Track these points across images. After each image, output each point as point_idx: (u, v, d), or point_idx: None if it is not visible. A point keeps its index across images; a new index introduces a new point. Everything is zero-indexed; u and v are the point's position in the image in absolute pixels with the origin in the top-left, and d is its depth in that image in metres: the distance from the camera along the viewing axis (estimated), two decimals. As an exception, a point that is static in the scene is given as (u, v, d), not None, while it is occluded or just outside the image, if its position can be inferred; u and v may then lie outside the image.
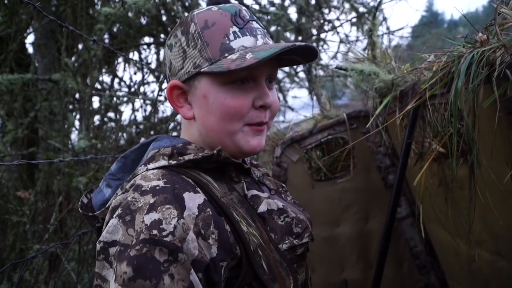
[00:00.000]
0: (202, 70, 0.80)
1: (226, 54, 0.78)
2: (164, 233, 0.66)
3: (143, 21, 3.79)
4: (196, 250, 0.67)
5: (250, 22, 0.83)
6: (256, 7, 4.37)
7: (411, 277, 2.04)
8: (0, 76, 2.13)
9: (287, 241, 0.82)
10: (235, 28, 0.80)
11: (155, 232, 0.65)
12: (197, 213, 0.70)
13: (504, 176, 1.06)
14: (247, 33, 0.81)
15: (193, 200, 0.72)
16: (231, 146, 0.83)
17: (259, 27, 0.84)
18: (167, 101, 0.92)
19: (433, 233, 1.83)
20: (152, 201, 0.69)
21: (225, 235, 0.72)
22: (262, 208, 0.83)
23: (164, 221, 0.66)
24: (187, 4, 3.65)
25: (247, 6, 4.46)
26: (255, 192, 0.85)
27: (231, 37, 0.80)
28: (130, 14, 3.21)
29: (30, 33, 2.97)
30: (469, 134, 1.07)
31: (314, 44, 5.18)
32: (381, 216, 2.01)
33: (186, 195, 0.72)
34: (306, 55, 0.85)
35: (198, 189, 0.75)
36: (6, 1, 3.07)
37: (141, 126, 3.66)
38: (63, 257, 1.82)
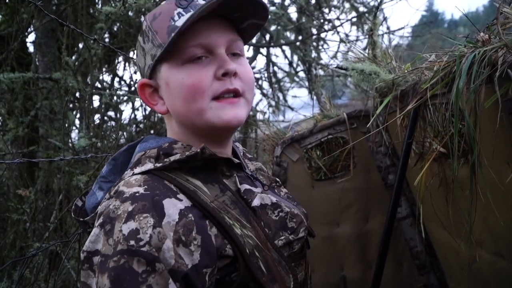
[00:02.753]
0: (157, 57, 0.80)
1: (173, 34, 0.76)
2: (141, 243, 0.64)
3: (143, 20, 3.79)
4: (172, 260, 0.65)
5: (196, 0, 0.81)
6: None
7: (410, 277, 2.04)
8: (1, 74, 2.12)
9: (282, 237, 0.81)
10: (179, 10, 0.79)
11: (132, 242, 0.64)
12: (177, 220, 0.69)
13: (506, 176, 1.06)
14: (191, 10, 0.79)
15: (174, 206, 0.70)
16: (204, 126, 0.80)
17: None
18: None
19: (433, 233, 1.83)
20: (130, 209, 0.68)
21: (209, 240, 0.70)
22: (256, 202, 0.81)
23: (141, 231, 0.65)
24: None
25: None
26: (248, 186, 0.83)
27: (176, 18, 0.78)
28: (130, 13, 3.21)
29: (31, 32, 2.96)
30: (471, 134, 1.07)
31: (314, 44, 5.19)
32: (381, 216, 2.01)
33: (167, 201, 0.70)
34: (261, 11, 0.82)
35: (180, 195, 0.73)
36: (7, 0, 3.07)
37: (141, 125, 3.66)
38: (63, 255, 1.82)
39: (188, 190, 0.75)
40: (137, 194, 0.70)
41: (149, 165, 0.78)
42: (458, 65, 1.09)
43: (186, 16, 0.77)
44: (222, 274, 0.71)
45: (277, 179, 0.98)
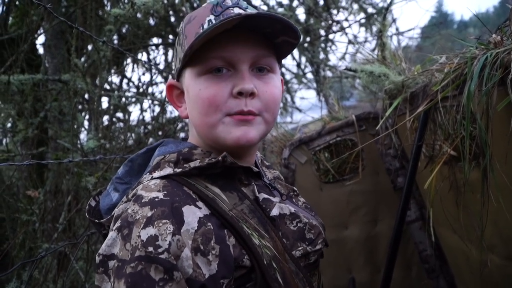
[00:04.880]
0: (181, 63, 0.79)
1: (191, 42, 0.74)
2: (160, 250, 0.63)
3: (152, 22, 3.80)
4: (190, 269, 0.64)
5: (231, 8, 0.78)
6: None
7: (419, 281, 2.02)
8: (11, 76, 2.14)
9: (300, 248, 0.79)
10: (211, 17, 0.77)
11: (150, 249, 0.63)
12: (196, 228, 0.67)
13: (518, 180, 1.04)
14: (221, 19, 0.75)
15: (193, 213, 0.69)
16: (215, 140, 0.79)
17: (243, 12, 0.76)
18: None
19: (443, 237, 1.81)
20: (149, 214, 0.67)
21: (227, 250, 0.68)
22: (275, 212, 0.80)
23: (160, 237, 0.64)
24: (195, 5, 3.65)
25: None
26: (266, 195, 0.82)
27: (205, 25, 0.77)
28: (139, 15, 3.22)
29: (40, 34, 2.98)
30: (482, 137, 1.05)
31: (323, 45, 5.18)
32: (390, 219, 1.99)
33: (186, 208, 0.69)
34: (287, 31, 0.77)
35: (199, 202, 0.72)
36: (17, 3, 3.09)
37: (149, 127, 3.66)
38: (71, 257, 1.83)
39: (207, 197, 0.74)
40: (156, 200, 0.69)
41: (168, 170, 0.77)
42: (469, 67, 1.07)
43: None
44: (237, 284, 0.69)
45: (295, 188, 0.96)
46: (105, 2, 3.40)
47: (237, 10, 0.78)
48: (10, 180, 2.25)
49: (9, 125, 2.96)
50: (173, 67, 0.87)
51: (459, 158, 1.34)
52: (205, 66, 0.77)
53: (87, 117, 3.27)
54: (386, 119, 1.78)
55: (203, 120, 0.78)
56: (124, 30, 3.69)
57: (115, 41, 3.70)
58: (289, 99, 5.39)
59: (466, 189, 1.33)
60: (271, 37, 0.80)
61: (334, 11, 4.99)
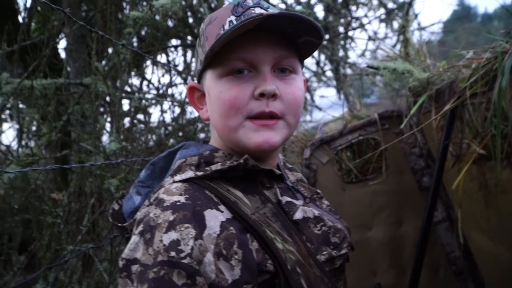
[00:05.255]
0: (202, 65, 0.78)
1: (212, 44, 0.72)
2: (182, 255, 0.63)
3: (170, 23, 3.82)
4: (213, 274, 0.63)
5: (252, 8, 0.76)
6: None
7: (447, 284, 1.97)
8: (34, 81, 2.17)
9: (325, 252, 0.77)
10: (232, 18, 0.75)
11: (173, 253, 0.63)
12: (218, 232, 0.66)
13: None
14: (243, 19, 0.73)
15: (216, 217, 0.68)
16: (236, 143, 0.77)
17: (264, 12, 0.75)
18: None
19: (472, 238, 1.76)
20: (171, 218, 0.66)
21: (250, 255, 0.67)
22: (298, 215, 0.78)
23: (182, 242, 0.63)
24: (213, 5, 3.65)
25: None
26: (289, 198, 0.80)
27: (226, 26, 0.75)
28: (157, 17, 3.24)
29: (61, 38, 3.03)
30: (514, 136, 1.01)
31: (342, 43, 5.12)
32: (415, 220, 1.95)
33: (208, 212, 0.68)
34: (310, 30, 0.75)
35: (221, 206, 0.71)
36: (39, 8, 3.15)
37: (170, 128, 3.68)
38: (95, 258, 1.85)
39: (228, 201, 0.72)
40: (178, 203, 0.68)
41: (189, 173, 0.76)
42: (500, 62, 1.03)
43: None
44: None
45: (318, 191, 0.93)
46: (125, 5, 3.44)
47: (258, 10, 0.76)
48: (35, 183, 2.28)
49: (33, 128, 3.02)
50: (194, 69, 0.86)
51: (488, 157, 1.30)
52: (226, 68, 0.75)
53: (108, 119, 3.31)
54: (411, 118, 1.73)
55: (224, 122, 0.77)
56: (143, 33, 3.72)
57: (135, 44, 3.74)
58: (308, 97, 5.36)
59: (498, 189, 1.28)
60: (293, 37, 0.77)
61: (353, 8, 4.94)
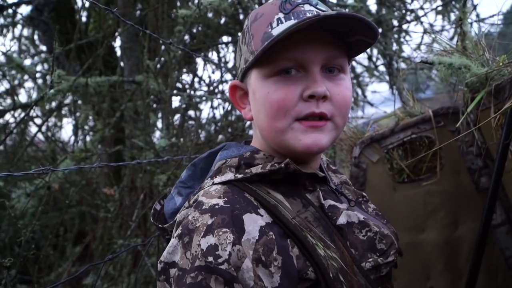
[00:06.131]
0: (248, 64, 0.75)
1: (266, 43, 0.70)
2: (220, 260, 0.61)
3: (221, 20, 3.85)
4: (251, 281, 0.61)
5: (301, 5, 0.73)
6: (334, 0, 4.24)
7: (507, 290, 1.85)
8: (88, 79, 2.27)
9: (370, 259, 0.73)
10: (280, 15, 0.73)
11: (210, 259, 0.62)
12: (257, 237, 0.64)
13: None
14: (292, 17, 0.72)
15: (255, 222, 0.66)
16: (283, 145, 0.75)
17: (314, 9, 0.73)
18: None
19: (535, 244, 1.64)
20: (210, 222, 0.65)
21: (290, 261, 0.65)
22: (342, 220, 0.75)
23: (220, 247, 0.62)
24: (263, 1, 3.64)
25: (323, 1, 4.35)
26: (332, 202, 0.77)
27: (274, 24, 0.72)
28: (210, 15, 3.27)
29: (116, 37, 3.14)
30: None
31: (396, 36, 4.94)
32: (472, 222, 1.84)
33: (247, 216, 0.67)
34: (368, 30, 0.72)
35: (261, 209, 0.69)
36: (96, 9, 3.28)
37: (219, 124, 3.72)
38: (143, 253, 1.90)
39: (268, 204, 0.70)
40: (216, 207, 0.67)
41: (229, 175, 0.75)
42: None
43: (284, 26, 0.71)
44: None
45: (364, 194, 0.90)
46: (177, 4, 3.50)
47: (307, 7, 0.73)
48: (86, 179, 2.39)
49: (90, 124, 3.16)
50: (237, 66, 0.84)
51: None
52: (274, 68, 0.73)
53: (160, 115, 3.40)
54: (468, 115, 1.63)
55: (271, 124, 0.74)
56: (194, 30, 3.77)
57: (187, 41, 3.80)
58: (360, 93, 5.23)
59: None
60: (345, 36, 0.74)
61: (408, 0, 4.75)
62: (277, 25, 0.72)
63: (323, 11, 0.74)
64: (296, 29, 0.68)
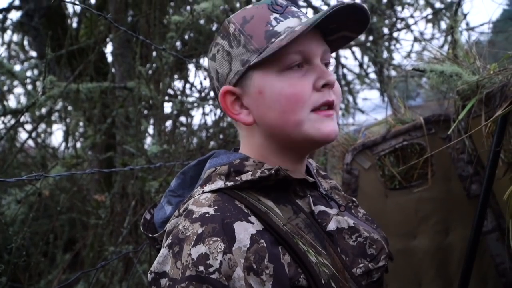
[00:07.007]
0: (252, 63, 0.74)
1: (273, 39, 0.73)
2: (211, 270, 0.61)
3: (213, 27, 3.85)
4: None
5: (289, 7, 0.78)
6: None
7: (497, 297, 1.86)
8: (80, 85, 2.25)
9: (361, 265, 0.73)
10: (275, 15, 0.76)
11: (201, 268, 0.61)
12: (248, 245, 0.64)
13: None
14: (289, 16, 0.76)
15: (245, 230, 0.66)
16: (301, 139, 0.75)
17: (299, 10, 0.79)
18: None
19: (525, 250, 1.65)
20: (200, 231, 0.64)
21: (282, 269, 0.64)
22: (332, 226, 0.74)
23: (210, 256, 0.62)
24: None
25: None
26: (322, 208, 0.77)
27: (273, 23, 0.75)
28: (202, 21, 3.27)
29: (107, 43, 3.12)
30: None
31: (386, 44, 4.99)
32: (463, 228, 1.86)
33: (237, 224, 0.66)
34: (357, 25, 0.78)
35: (252, 217, 0.69)
36: (87, 15, 3.27)
37: (211, 130, 3.71)
38: (135, 260, 1.88)
39: (259, 211, 0.70)
40: (207, 215, 0.66)
41: (219, 183, 0.74)
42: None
43: (299, 26, 0.73)
44: None
45: (354, 199, 0.90)
46: (169, 10, 3.50)
47: (295, 9, 0.79)
48: (77, 185, 2.36)
49: (81, 130, 3.13)
50: (219, 75, 0.81)
51: (545, 166, 1.21)
52: (283, 63, 0.74)
53: (151, 122, 3.38)
54: (459, 122, 1.65)
55: (287, 118, 0.74)
56: (186, 37, 3.77)
57: (179, 47, 3.80)
58: (351, 100, 5.26)
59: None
60: (328, 34, 0.79)
61: (399, 8, 4.80)
62: (277, 23, 0.75)
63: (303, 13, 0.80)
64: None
